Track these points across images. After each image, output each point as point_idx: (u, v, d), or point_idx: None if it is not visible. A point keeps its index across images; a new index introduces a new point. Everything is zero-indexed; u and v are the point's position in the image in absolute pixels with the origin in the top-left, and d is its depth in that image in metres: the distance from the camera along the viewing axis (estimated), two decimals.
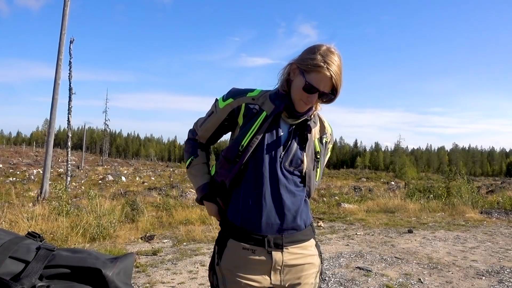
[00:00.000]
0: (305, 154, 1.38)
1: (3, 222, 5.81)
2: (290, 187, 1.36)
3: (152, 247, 5.47)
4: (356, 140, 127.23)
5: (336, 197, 15.02)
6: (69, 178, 16.20)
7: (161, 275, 4.17)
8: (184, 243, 5.86)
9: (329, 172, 57.42)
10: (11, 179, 24.81)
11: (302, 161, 1.38)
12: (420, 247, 5.66)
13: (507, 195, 12.34)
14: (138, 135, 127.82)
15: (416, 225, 7.67)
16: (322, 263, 1.49)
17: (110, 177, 28.50)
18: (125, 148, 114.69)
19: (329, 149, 1.55)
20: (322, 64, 1.26)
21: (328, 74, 1.27)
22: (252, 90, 1.42)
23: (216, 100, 1.45)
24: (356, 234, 6.73)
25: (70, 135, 16.36)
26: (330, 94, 1.32)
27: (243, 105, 1.39)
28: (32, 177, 26.63)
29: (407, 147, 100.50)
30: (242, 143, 1.33)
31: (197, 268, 4.47)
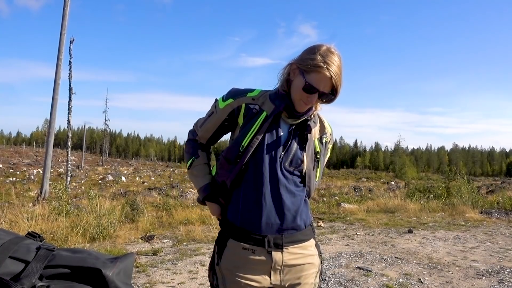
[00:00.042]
0: (305, 154, 1.38)
1: (3, 222, 5.81)
2: (290, 187, 1.36)
3: (152, 247, 5.48)
4: (356, 140, 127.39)
5: (336, 197, 15.02)
6: (69, 178, 16.20)
7: (161, 275, 4.17)
8: (184, 243, 5.86)
9: (329, 172, 57.42)
10: (11, 179, 24.82)
11: (302, 161, 1.38)
12: (420, 247, 5.66)
13: (507, 195, 12.34)
14: (138, 135, 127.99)
15: (416, 225, 7.67)
16: (322, 263, 1.49)
17: (110, 177, 28.50)
18: (125, 148, 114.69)
19: (329, 149, 1.55)
20: (322, 64, 1.26)
21: (328, 74, 1.27)
22: (252, 90, 1.42)
23: (216, 100, 1.45)
24: (356, 234, 6.74)
25: (70, 135, 16.37)
26: (330, 94, 1.32)
27: (243, 105, 1.39)
28: (32, 177, 26.63)
29: (407, 147, 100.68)
30: (243, 144, 1.33)
31: (197, 268, 4.47)
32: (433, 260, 4.93)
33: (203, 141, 1.52)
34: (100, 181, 26.65)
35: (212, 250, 1.46)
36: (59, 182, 14.55)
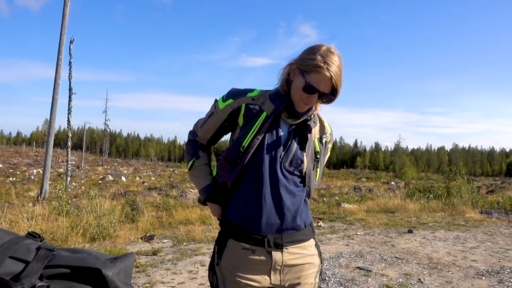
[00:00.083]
0: (305, 154, 1.38)
1: (3, 222, 5.81)
2: (290, 187, 1.36)
3: (152, 247, 5.48)
4: (356, 140, 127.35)
5: (336, 197, 15.02)
6: (69, 178, 16.20)
7: (161, 275, 4.17)
8: (184, 243, 5.86)
9: (329, 172, 57.42)
10: (11, 179, 24.82)
11: (302, 161, 1.38)
12: (420, 247, 5.66)
13: (507, 195, 12.34)
14: (138, 135, 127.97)
15: (416, 225, 7.67)
16: (322, 263, 1.49)
17: (110, 177, 28.50)
18: (125, 148, 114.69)
19: (329, 149, 1.56)
20: (322, 64, 1.26)
21: (328, 74, 1.27)
22: (252, 90, 1.42)
23: (216, 100, 1.45)
24: (356, 234, 6.74)
25: (70, 135, 16.37)
26: (330, 95, 1.32)
27: (243, 105, 1.38)
28: (32, 177, 26.63)
29: (407, 147, 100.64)
30: (243, 144, 1.33)
31: (197, 268, 4.47)
32: (433, 260, 4.93)
33: (204, 142, 1.52)
34: (100, 181, 26.66)
35: (212, 250, 1.46)
36: (59, 182, 14.55)
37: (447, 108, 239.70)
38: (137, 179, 30.12)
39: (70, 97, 16.20)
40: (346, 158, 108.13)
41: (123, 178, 28.75)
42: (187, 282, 3.97)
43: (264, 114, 1.35)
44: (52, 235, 5.35)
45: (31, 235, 0.88)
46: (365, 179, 41.23)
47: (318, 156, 1.44)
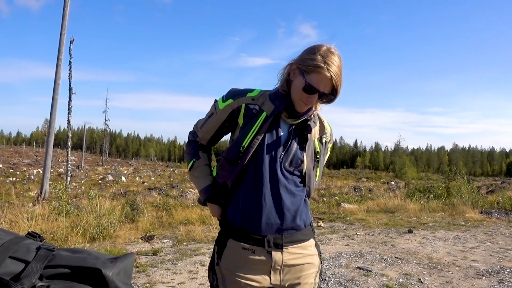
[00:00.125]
0: (305, 154, 1.38)
1: (3, 222, 5.81)
2: (290, 187, 1.36)
3: (152, 247, 5.48)
4: (356, 140, 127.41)
5: (336, 197, 15.01)
6: (69, 178, 16.20)
7: (161, 275, 4.17)
8: (184, 243, 5.86)
9: (329, 172, 57.42)
10: (11, 179, 24.82)
11: (302, 161, 1.38)
12: (420, 247, 5.66)
13: (507, 195, 12.33)
14: (138, 135, 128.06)
15: (416, 225, 7.67)
16: (321, 263, 1.49)
17: (110, 177, 28.50)
18: (125, 148, 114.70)
19: (329, 149, 1.56)
20: (322, 64, 1.26)
21: (328, 74, 1.27)
22: (251, 90, 1.42)
23: (216, 101, 1.45)
24: (356, 234, 6.73)
25: (70, 135, 16.37)
26: (330, 95, 1.32)
27: (243, 105, 1.38)
28: (32, 177, 26.63)
29: (407, 147, 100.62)
30: (243, 144, 1.33)
31: (197, 268, 4.47)
32: (433, 260, 4.93)
33: (204, 142, 1.52)
34: (100, 181, 26.65)
35: (212, 250, 1.46)
36: (59, 182, 14.55)
37: (447, 108, 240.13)
38: (137, 179, 30.12)
39: (70, 97, 16.20)
40: (346, 158, 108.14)
41: (123, 178, 28.75)
42: (187, 282, 3.97)
43: (264, 114, 1.35)
44: (52, 235, 5.35)
45: (31, 235, 0.88)
46: (365, 179, 41.23)
47: (318, 156, 1.44)
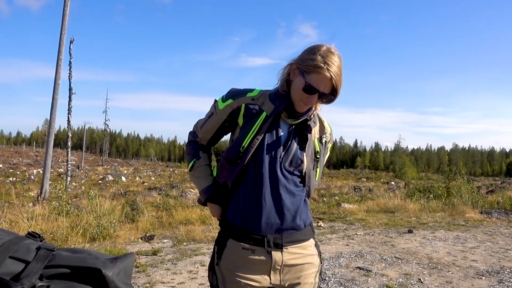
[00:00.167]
0: (305, 154, 1.38)
1: (3, 222, 5.82)
2: (290, 187, 1.36)
3: (152, 247, 5.48)
4: (356, 140, 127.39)
5: (336, 197, 15.02)
6: (69, 178, 16.20)
7: (161, 275, 4.17)
8: (184, 243, 5.86)
9: (329, 172, 57.42)
10: (11, 179, 24.81)
11: (302, 161, 1.38)
12: (420, 247, 5.67)
13: (507, 195, 12.33)
14: (138, 135, 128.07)
15: (416, 225, 7.67)
16: (321, 262, 1.49)
17: (110, 177, 28.50)
18: (125, 148, 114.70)
19: (329, 149, 1.56)
20: (322, 65, 1.26)
21: (328, 75, 1.27)
22: (251, 90, 1.42)
23: (216, 101, 1.45)
24: (356, 234, 6.74)
25: (70, 135, 16.37)
26: (330, 95, 1.32)
27: (243, 105, 1.38)
28: (32, 177, 26.63)
29: (407, 147, 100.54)
30: (243, 144, 1.33)
31: (197, 268, 4.47)
32: (433, 260, 4.93)
33: (204, 142, 1.52)
34: (100, 181, 26.65)
35: (212, 250, 1.46)
36: (59, 182, 14.56)
37: (447, 108, 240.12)
38: (137, 179, 30.12)
39: (70, 97, 16.21)
40: (346, 158, 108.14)
41: (123, 178, 28.75)
42: (187, 282, 3.97)
43: (264, 114, 1.35)
44: (52, 235, 5.35)
45: (31, 235, 0.88)
46: (365, 179, 41.23)
47: (318, 156, 1.44)
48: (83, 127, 62.42)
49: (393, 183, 31.65)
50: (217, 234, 1.45)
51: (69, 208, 6.94)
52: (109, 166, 44.72)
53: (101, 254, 0.86)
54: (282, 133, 1.37)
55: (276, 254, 1.34)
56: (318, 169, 1.46)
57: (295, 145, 1.37)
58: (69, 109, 16.13)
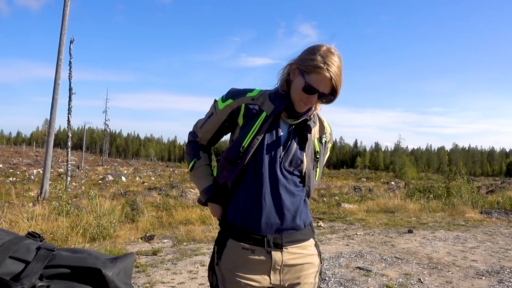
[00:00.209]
0: (304, 154, 1.38)
1: (3, 222, 5.82)
2: (290, 187, 1.36)
3: (152, 247, 5.48)
4: (356, 140, 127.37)
5: (336, 197, 15.02)
6: (69, 178, 16.20)
7: (161, 275, 4.17)
8: (184, 243, 5.86)
9: (329, 172, 57.42)
10: (11, 179, 24.81)
11: (302, 161, 1.38)
12: (420, 247, 5.67)
13: (507, 195, 12.33)
14: (138, 135, 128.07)
15: (416, 225, 7.67)
16: (321, 262, 1.49)
17: (110, 177, 28.50)
18: (125, 148, 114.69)
19: (329, 149, 1.56)
20: (322, 65, 1.26)
21: (328, 75, 1.27)
22: (251, 90, 1.42)
23: (215, 101, 1.45)
24: (356, 234, 6.74)
25: (70, 135, 16.37)
26: (329, 95, 1.32)
27: (243, 105, 1.38)
28: (32, 177, 26.63)
29: (407, 147, 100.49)
30: (243, 144, 1.33)
31: (197, 268, 4.47)
32: (433, 260, 4.93)
33: (204, 142, 1.52)
34: (100, 181, 26.65)
35: (212, 250, 1.46)
36: (59, 182, 14.56)
37: (447, 108, 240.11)
38: (137, 179, 30.11)
39: (70, 97, 16.21)
40: (346, 158, 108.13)
41: (123, 178, 28.75)
42: (187, 282, 3.97)
43: (264, 114, 1.35)
44: (52, 235, 5.35)
45: (31, 235, 0.88)
46: (365, 179, 41.23)
47: (318, 156, 1.44)
48: (83, 127, 62.53)
49: (393, 183, 31.65)
50: (217, 234, 1.45)
51: (69, 208, 6.94)
52: (109, 166, 44.71)
53: (101, 254, 0.86)
54: (282, 133, 1.37)
55: (276, 254, 1.34)
56: (318, 169, 1.46)
57: (295, 145, 1.37)
58: (69, 109, 16.13)
